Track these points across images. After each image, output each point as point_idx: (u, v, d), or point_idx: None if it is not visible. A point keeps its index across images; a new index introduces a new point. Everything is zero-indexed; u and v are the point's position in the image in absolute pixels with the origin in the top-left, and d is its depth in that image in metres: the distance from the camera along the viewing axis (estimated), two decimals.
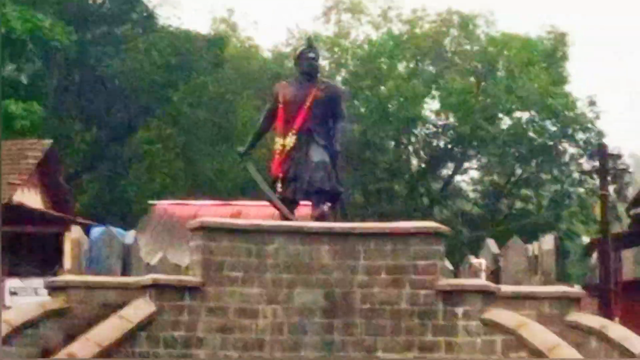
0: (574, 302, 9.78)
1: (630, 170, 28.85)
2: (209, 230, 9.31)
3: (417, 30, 38.76)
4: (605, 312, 19.06)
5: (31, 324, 8.48)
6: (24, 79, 30.19)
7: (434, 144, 39.22)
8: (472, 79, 37.63)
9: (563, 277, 15.60)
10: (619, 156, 26.76)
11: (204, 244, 9.19)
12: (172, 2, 36.59)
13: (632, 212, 24.24)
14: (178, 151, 34.44)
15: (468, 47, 38.64)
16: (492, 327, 8.82)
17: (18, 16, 26.63)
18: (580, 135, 37.26)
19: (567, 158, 38.24)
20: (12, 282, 18.53)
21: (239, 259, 9.21)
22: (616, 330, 9.27)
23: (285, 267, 9.12)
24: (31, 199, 22.42)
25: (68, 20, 29.18)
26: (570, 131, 37.17)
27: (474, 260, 13.01)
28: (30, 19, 27.01)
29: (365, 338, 9.05)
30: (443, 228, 10.09)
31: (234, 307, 8.93)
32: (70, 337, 8.42)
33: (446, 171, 40.12)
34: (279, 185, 10.45)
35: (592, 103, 36.47)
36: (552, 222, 35.90)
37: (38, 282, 15.25)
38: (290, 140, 10.20)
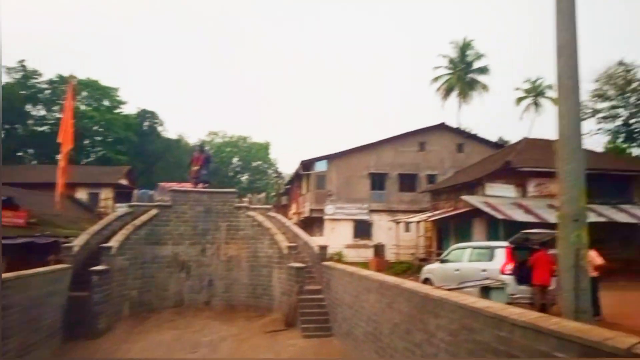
0: (270, 210, 19.79)
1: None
2: (173, 191, 18.80)
3: None
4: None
5: None
6: None
7: None
8: None
9: (267, 203, 21.13)
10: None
11: (172, 194, 18.54)
12: None
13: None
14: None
15: None
16: (248, 215, 18.27)
17: None
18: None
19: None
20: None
21: (181, 199, 18.15)
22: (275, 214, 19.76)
23: (194, 200, 18.20)
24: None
25: None
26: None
27: (248, 197, 20.62)
28: None
29: (216, 219, 18.31)
30: (234, 190, 20.19)
31: (186, 207, 18.31)
32: None
33: None
34: (194, 178, 20.32)
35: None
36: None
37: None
38: (198, 167, 19.94)
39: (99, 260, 14.07)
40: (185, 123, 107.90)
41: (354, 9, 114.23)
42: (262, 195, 22.22)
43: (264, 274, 17.21)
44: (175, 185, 23.52)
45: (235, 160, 65.23)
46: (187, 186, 20.98)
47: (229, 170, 64.06)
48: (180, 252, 17.71)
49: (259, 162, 66.13)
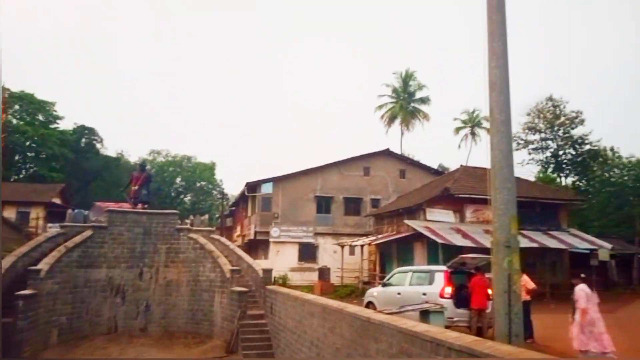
0: (213, 232, 19.64)
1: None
2: (110, 211, 17.99)
3: None
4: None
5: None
6: None
7: None
8: None
9: (210, 225, 21.37)
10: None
11: (109, 215, 17.67)
12: None
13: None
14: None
15: None
16: (190, 238, 17.89)
17: None
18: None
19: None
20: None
21: (118, 219, 17.50)
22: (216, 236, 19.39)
23: (132, 221, 17.59)
24: None
25: None
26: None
27: (190, 218, 20.63)
28: None
29: (155, 241, 17.72)
30: (176, 211, 19.61)
31: (123, 228, 17.47)
32: None
33: None
34: (132, 198, 19.48)
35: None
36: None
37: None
38: (137, 187, 19.33)
39: (26, 284, 13.21)
40: (126, 141, 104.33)
41: (301, 34, 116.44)
42: (205, 216, 21.79)
43: (205, 298, 16.76)
44: (112, 205, 22.56)
45: (178, 180, 63.42)
46: (126, 206, 20.20)
47: (171, 190, 62.17)
48: (115, 276, 16.95)
49: (204, 183, 64.64)
